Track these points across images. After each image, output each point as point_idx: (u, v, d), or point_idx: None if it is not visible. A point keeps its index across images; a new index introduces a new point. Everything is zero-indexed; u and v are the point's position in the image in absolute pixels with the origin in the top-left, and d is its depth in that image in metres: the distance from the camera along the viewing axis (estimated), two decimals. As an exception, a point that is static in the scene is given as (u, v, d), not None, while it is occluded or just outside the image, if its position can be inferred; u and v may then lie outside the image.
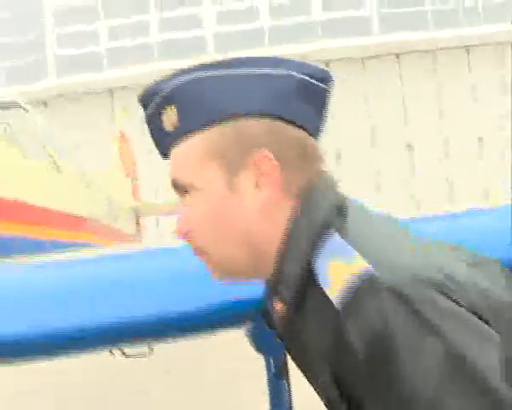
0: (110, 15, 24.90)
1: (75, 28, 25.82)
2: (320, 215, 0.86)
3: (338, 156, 13.54)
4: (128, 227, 6.98)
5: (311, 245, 0.84)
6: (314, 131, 0.92)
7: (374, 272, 0.78)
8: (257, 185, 0.87)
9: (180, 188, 0.92)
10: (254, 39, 22.86)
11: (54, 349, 1.42)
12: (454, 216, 1.80)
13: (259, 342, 1.58)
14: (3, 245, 3.17)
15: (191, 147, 0.88)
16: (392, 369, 0.76)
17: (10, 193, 3.55)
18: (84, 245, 4.46)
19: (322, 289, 0.82)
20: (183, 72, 0.90)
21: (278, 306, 0.91)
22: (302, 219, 0.86)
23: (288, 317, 0.90)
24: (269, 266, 0.88)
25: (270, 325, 1.00)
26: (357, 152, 13.87)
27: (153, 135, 0.93)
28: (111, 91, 20.30)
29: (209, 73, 0.89)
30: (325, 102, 0.93)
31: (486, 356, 0.76)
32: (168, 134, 0.90)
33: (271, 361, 1.89)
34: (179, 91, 0.88)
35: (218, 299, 1.22)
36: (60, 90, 21.82)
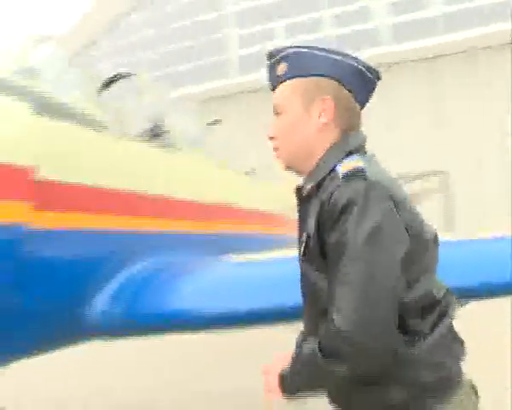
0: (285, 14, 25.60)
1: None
2: (348, 147, 1.49)
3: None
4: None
5: (338, 159, 1.46)
6: (361, 104, 1.55)
7: (366, 171, 1.38)
8: (320, 115, 1.51)
9: (276, 109, 1.58)
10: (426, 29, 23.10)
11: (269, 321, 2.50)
12: None
13: None
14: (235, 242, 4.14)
15: (289, 85, 1.55)
16: (347, 218, 1.33)
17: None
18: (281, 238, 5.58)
19: (336, 176, 1.41)
20: (295, 46, 1.56)
21: (309, 185, 1.51)
22: (339, 145, 1.51)
23: (311, 191, 1.50)
24: (313, 164, 1.52)
25: (299, 198, 1.58)
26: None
27: (269, 75, 1.61)
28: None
29: (307, 50, 1.53)
30: (372, 89, 1.57)
31: (397, 247, 1.35)
32: (278, 76, 1.57)
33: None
34: (289, 55, 1.55)
35: None
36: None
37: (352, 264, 1.31)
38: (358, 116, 1.55)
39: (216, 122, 5.92)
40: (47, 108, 2.40)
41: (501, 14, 22.44)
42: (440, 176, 22.13)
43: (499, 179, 23.03)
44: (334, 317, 1.30)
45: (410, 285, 1.39)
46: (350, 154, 1.46)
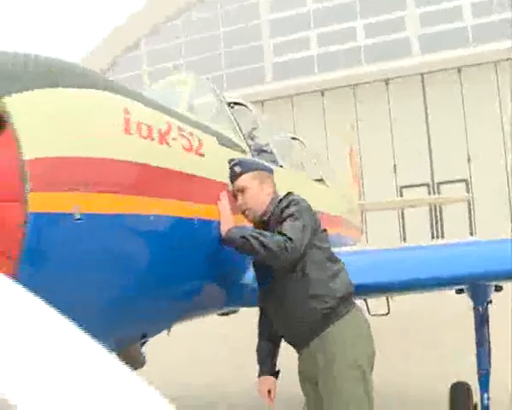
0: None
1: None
2: (278, 196, 3.28)
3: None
4: (357, 220, 9.75)
5: (276, 203, 3.21)
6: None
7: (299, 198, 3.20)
8: (266, 187, 3.28)
9: (241, 190, 3.23)
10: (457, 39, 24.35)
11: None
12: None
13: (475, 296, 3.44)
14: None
15: (247, 176, 3.23)
16: (291, 207, 3.08)
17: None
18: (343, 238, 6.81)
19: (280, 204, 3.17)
20: (239, 159, 3.41)
21: (268, 216, 3.24)
22: (274, 198, 3.27)
23: (268, 224, 3.18)
24: (264, 212, 3.24)
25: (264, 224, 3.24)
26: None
27: (231, 175, 3.25)
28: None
29: (246, 161, 3.44)
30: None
31: (312, 221, 3.14)
32: (236, 173, 3.23)
33: (480, 310, 3.78)
34: (241, 164, 3.26)
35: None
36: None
37: (297, 220, 2.99)
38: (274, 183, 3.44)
39: (296, 138, 6.98)
40: (222, 140, 3.60)
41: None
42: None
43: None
44: (288, 241, 2.89)
45: (320, 241, 3.16)
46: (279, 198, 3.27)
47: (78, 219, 2.04)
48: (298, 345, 3.18)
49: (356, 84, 26.43)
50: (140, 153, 2.44)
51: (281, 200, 3.22)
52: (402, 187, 25.62)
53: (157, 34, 30.44)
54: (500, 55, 23.41)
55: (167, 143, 2.68)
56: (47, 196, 1.98)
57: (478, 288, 4.33)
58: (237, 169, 3.25)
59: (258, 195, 3.25)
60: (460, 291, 4.63)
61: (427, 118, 25.86)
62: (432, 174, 25.94)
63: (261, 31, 28.48)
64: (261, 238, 2.91)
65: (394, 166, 26.07)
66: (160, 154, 2.61)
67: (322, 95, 26.93)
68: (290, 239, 2.90)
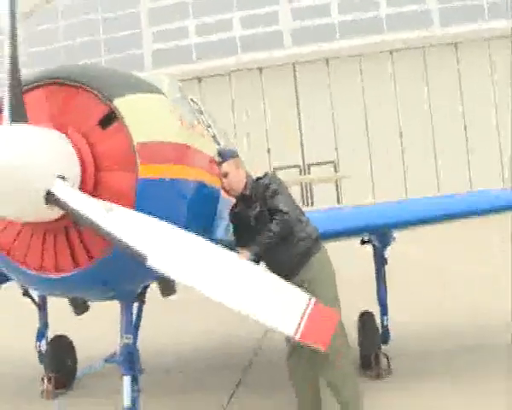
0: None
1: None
2: (251, 175, 4.55)
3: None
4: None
5: (253, 181, 4.45)
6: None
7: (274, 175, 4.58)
8: (241, 170, 4.41)
9: (224, 175, 4.27)
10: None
11: None
12: None
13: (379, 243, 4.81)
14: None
15: (228, 163, 4.30)
16: (276, 189, 4.28)
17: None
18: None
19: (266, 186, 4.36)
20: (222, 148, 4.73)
21: (247, 192, 4.37)
22: (248, 176, 4.46)
23: (250, 201, 4.34)
24: (243, 188, 4.37)
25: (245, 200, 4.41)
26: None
27: (216, 162, 4.27)
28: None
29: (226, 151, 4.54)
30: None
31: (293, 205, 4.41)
32: (219, 161, 4.28)
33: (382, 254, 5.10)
34: (221, 154, 4.35)
35: None
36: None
37: (282, 194, 4.25)
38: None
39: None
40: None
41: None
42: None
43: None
44: (284, 214, 4.15)
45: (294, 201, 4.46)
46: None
47: (164, 181, 3.13)
48: (288, 276, 4.12)
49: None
50: (187, 138, 3.54)
51: (259, 178, 4.41)
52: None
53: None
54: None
55: (193, 129, 3.79)
56: (148, 167, 3.04)
57: (381, 236, 5.81)
58: (218, 159, 4.27)
59: (237, 176, 4.32)
60: (365, 242, 6.10)
61: (298, 104, 28.03)
62: (303, 157, 28.16)
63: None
64: (268, 234, 4.11)
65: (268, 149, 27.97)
66: (194, 138, 3.71)
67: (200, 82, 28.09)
68: (286, 213, 4.15)
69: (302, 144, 28.22)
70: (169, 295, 4.16)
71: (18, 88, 2.80)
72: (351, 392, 4.38)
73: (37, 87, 3.06)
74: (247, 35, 28.18)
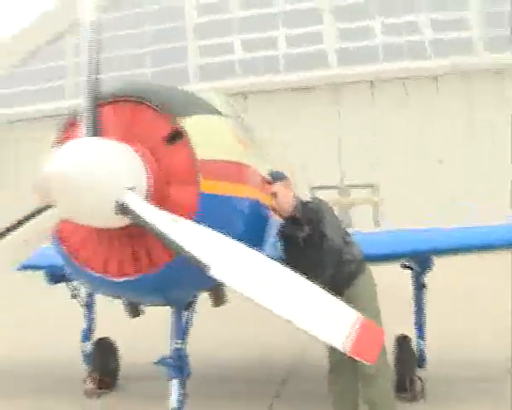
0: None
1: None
2: (299, 197, 4.66)
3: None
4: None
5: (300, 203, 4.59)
6: None
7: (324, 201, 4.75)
8: (289, 191, 4.62)
9: (274, 195, 4.46)
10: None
11: None
12: None
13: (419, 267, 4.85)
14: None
15: (278, 184, 4.51)
16: (323, 218, 4.50)
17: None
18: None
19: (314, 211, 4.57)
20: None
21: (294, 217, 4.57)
22: (296, 198, 4.62)
23: (298, 223, 4.51)
24: (292, 210, 4.56)
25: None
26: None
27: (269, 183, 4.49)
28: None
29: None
30: None
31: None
32: (270, 182, 4.48)
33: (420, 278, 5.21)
34: (272, 175, 4.60)
35: None
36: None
37: (331, 223, 4.48)
38: None
39: None
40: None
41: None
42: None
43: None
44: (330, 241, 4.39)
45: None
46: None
47: (222, 197, 3.35)
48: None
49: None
50: (243, 157, 3.74)
51: (307, 202, 4.63)
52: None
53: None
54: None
55: (246, 147, 3.99)
56: (209, 183, 3.26)
57: (422, 261, 5.92)
58: (269, 179, 4.49)
59: (286, 198, 4.50)
60: (406, 267, 6.21)
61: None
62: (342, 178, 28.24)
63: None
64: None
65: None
66: (249, 157, 3.91)
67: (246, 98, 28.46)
68: (331, 239, 4.43)
69: (341, 165, 28.34)
70: (220, 305, 4.40)
71: (95, 104, 3.05)
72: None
73: (108, 103, 3.28)
74: (291, 53, 28.52)
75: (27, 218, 3.12)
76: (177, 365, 4.09)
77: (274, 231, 4.72)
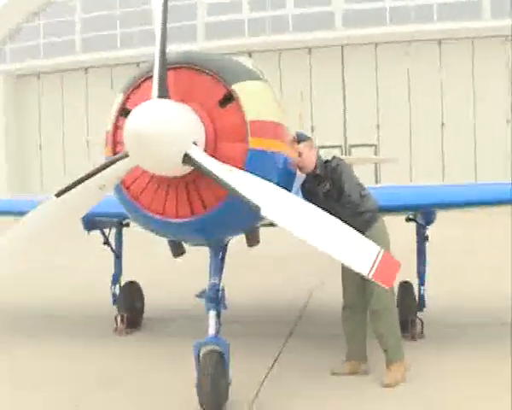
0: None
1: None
2: (320, 156, 5.36)
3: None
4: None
5: (322, 162, 5.31)
6: None
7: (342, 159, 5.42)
8: (313, 151, 5.28)
9: (299, 154, 5.10)
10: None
11: None
12: None
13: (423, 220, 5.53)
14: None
15: (304, 144, 5.17)
16: (341, 176, 5.20)
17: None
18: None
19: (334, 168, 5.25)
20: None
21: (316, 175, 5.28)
22: (318, 157, 5.30)
23: (319, 179, 5.23)
24: (314, 168, 5.27)
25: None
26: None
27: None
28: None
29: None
30: None
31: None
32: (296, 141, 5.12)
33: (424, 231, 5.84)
34: (298, 136, 5.22)
35: None
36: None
37: (349, 179, 5.20)
38: None
39: None
40: None
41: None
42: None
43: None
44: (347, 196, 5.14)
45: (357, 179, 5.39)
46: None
47: (266, 152, 3.98)
48: None
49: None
50: (281, 117, 4.37)
51: (327, 160, 5.25)
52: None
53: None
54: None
55: (281, 109, 4.61)
56: (256, 140, 3.89)
57: (426, 214, 6.59)
58: (296, 139, 5.08)
59: (310, 157, 5.16)
60: (410, 220, 6.86)
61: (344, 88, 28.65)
62: (345, 137, 28.79)
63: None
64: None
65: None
66: (283, 117, 4.54)
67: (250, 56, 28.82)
68: (349, 195, 5.13)
69: (345, 126, 28.84)
70: (253, 245, 5.09)
71: (164, 69, 3.63)
72: (394, 341, 5.24)
73: (172, 69, 3.84)
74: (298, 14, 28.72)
75: (105, 166, 3.76)
76: (214, 298, 4.75)
77: (298, 185, 5.36)
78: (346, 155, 28.04)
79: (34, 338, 7.12)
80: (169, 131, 3.43)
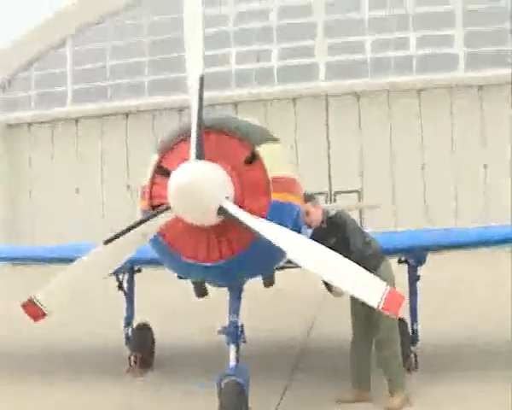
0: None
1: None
2: (326, 211, 6.03)
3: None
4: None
5: (327, 217, 5.91)
6: None
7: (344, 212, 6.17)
8: (318, 208, 5.90)
9: (307, 212, 5.65)
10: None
11: None
12: None
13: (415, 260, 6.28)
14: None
15: (310, 203, 5.75)
16: (346, 232, 5.82)
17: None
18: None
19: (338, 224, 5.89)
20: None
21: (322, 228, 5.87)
22: (323, 213, 5.92)
23: (326, 233, 5.71)
24: (320, 223, 5.89)
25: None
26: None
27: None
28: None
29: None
30: None
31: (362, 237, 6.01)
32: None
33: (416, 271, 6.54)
34: (305, 196, 5.63)
35: None
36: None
37: (352, 234, 5.79)
38: None
39: None
40: None
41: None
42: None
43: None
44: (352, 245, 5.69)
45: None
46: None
47: (285, 204, 4.66)
48: None
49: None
50: (294, 173, 5.06)
51: (331, 216, 5.92)
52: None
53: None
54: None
55: (295, 168, 5.31)
56: (277, 194, 4.56)
57: (418, 255, 7.27)
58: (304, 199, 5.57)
59: (316, 215, 5.77)
60: (401, 261, 7.53)
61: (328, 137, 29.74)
62: (330, 185, 29.68)
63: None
64: None
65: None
66: (295, 173, 5.23)
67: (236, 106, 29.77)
68: (352, 252, 5.47)
69: (330, 174, 29.77)
70: (269, 286, 5.72)
71: (200, 134, 4.31)
72: (396, 370, 5.88)
73: (204, 133, 4.48)
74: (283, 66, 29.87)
75: (149, 217, 4.40)
76: (235, 333, 5.30)
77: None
78: (330, 201, 28.80)
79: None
80: (208, 189, 4.10)
